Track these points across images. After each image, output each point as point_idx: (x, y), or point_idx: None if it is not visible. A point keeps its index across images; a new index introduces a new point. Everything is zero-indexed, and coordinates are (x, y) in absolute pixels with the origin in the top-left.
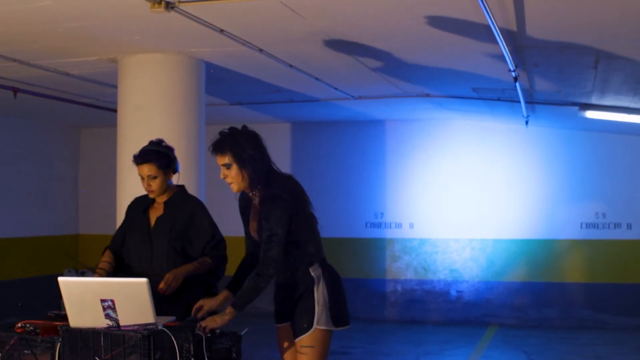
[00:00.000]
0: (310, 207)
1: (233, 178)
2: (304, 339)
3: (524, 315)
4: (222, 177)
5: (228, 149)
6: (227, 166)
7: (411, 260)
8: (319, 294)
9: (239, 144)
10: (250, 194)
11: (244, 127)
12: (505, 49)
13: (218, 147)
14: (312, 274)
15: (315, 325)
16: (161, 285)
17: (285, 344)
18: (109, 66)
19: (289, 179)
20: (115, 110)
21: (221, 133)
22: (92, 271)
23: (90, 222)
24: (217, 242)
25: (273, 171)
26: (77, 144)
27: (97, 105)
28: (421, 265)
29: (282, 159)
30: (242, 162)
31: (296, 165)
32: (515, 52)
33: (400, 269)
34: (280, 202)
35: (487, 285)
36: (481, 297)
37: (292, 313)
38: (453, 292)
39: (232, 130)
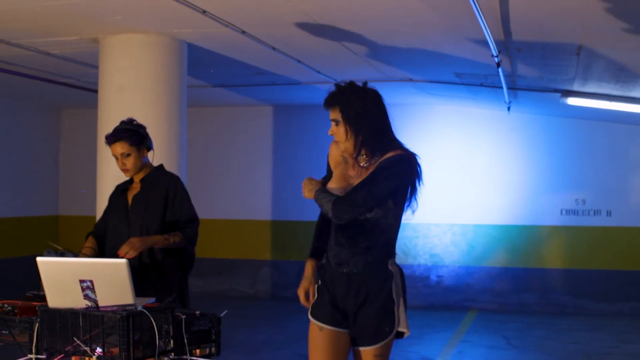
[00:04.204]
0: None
1: (342, 136)
2: (380, 347)
3: (503, 301)
4: (330, 133)
5: (337, 104)
6: (336, 122)
7: None
8: (397, 291)
9: (349, 101)
10: (353, 155)
11: (364, 84)
12: (488, 34)
13: (327, 100)
14: (391, 268)
15: (395, 329)
16: (122, 248)
17: (333, 355)
18: (90, 46)
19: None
20: (96, 91)
21: (339, 84)
22: (74, 254)
23: (71, 203)
24: (191, 220)
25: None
26: (57, 124)
27: (78, 86)
28: (401, 250)
29: (263, 142)
30: (349, 121)
31: (278, 149)
32: (498, 37)
33: None
34: (407, 168)
35: (468, 270)
36: (461, 282)
37: (356, 315)
38: (433, 277)
39: (348, 84)
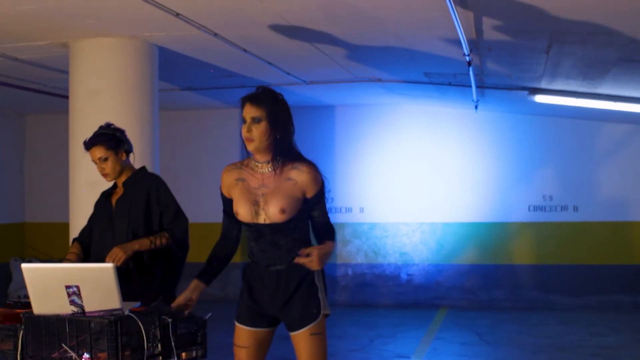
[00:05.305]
0: None
1: (259, 135)
2: (314, 327)
3: (473, 297)
4: (246, 131)
5: (265, 104)
6: (257, 120)
7: (361, 244)
8: (319, 279)
9: (276, 104)
10: (261, 163)
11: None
12: (462, 33)
13: (254, 98)
14: None
15: (322, 311)
16: (107, 259)
17: (259, 350)
18: (60, 51)
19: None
20: (63, 96)
21: (262, 87)
22: (40, 262)
23: (37, 210)
24: (174, 215)
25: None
26: (22, 130)
27: (45, 91)
28: (371, 249)
29: (231, 145)
30: (274, 124)
31: (245, 151)
32: (470, 36)
33: (351, 253)
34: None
35: (437, 268)
36: (431, 280)
37: (286, 305)
38: (403, 276)
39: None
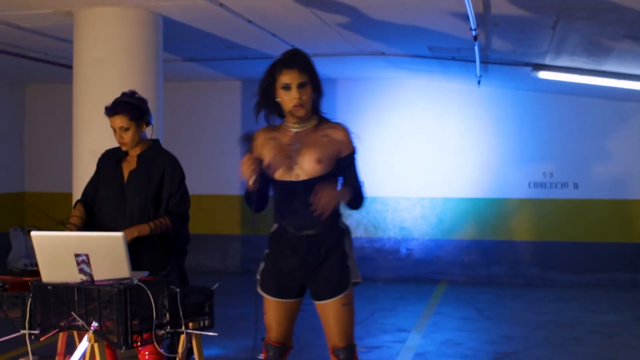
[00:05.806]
0: None
1: (308, 99)
2: (344, 297)
3: (472, 273)
4: (297, 97)
5: (307, 68)
6: (303, 85)
7: (361, 219)
8: (348, 246)
9: (312, 66)
10: (294, 124)
11: None
12: (470, 7)
13: (299, 64)
14: (342, 225)
15: (352, 280)
16: None
17: (287, 318)
18: (63, 19)
19: None
20: (66, 66)
21: (295, 50)
22: (63, 225)
23: (37, 179)
24: (179, 199)
25: None
26: (22, 100)
27: (48, 60)
28: (371, 224)
29: (232, 117)
30: (316, 85)
31: (247, 124)
32: (477, 10)
33: (351, 227)
34: None
35: (437, 243)
36: (431, 254)
37: (315, 272)
38: (403, 250)
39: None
